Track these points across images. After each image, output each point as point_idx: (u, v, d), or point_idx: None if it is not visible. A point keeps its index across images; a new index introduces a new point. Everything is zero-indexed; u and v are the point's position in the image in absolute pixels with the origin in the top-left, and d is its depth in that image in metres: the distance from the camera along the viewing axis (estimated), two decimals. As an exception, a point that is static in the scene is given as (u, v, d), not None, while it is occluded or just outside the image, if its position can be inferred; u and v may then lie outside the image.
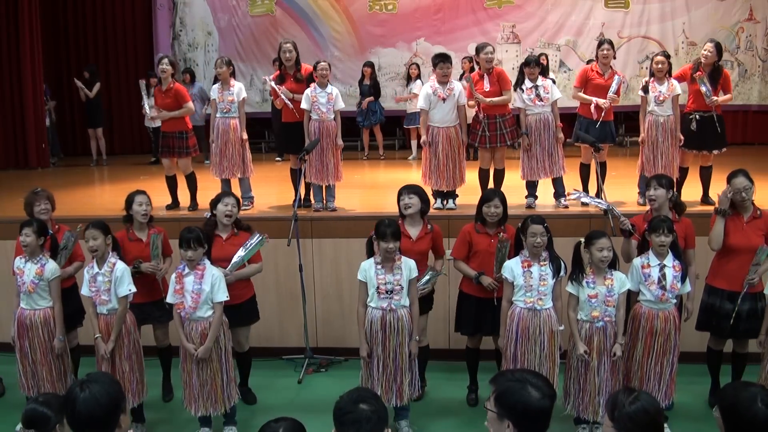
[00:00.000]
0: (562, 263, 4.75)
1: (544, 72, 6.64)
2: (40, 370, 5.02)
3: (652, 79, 6.53)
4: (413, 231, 5.11)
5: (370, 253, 4.87)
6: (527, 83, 6.49)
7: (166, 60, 6.99)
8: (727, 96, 6.62)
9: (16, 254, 5.17)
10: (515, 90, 6.61)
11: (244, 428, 5.00)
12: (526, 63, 6.54)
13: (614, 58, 6.85)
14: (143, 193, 5.29)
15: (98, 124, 11.16)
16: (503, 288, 4.85)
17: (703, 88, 6.43)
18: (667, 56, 6.62)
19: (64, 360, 5.10)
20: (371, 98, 10.76)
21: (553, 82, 6.77)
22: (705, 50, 6.52)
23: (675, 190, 5.22)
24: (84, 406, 2.39)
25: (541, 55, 10.48)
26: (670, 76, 6.54)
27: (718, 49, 6.53)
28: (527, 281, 4.68)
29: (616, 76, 6.70)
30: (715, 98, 6.44)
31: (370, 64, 11.12)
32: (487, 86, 6.57)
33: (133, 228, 5.28)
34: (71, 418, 2.45)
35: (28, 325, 4.99)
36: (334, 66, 10.90)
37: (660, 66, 6.46)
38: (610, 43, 6.83)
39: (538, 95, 6.44)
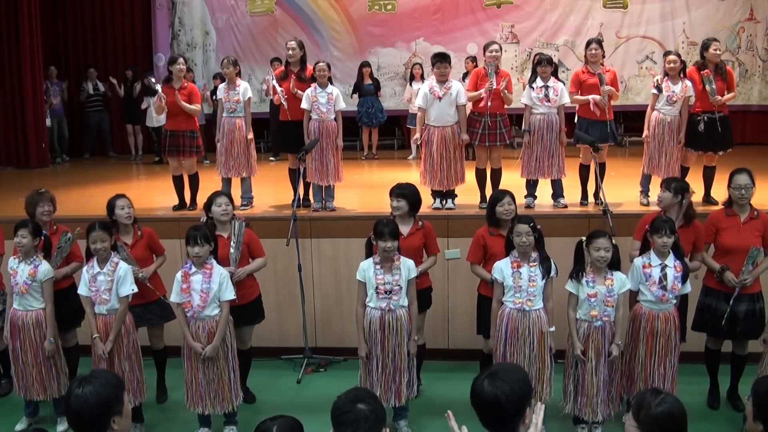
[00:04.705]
0: (552, 264, 4.74)
1: (556, 72, 6.61)
2: (30, 371, 4.99)
3: (666, 78, 6.52)
4: (404, 228, 5.12)
5: (369, 254, 4.87)
6: (538, 82, 6.48)
7: (182, 59, 7.02)
8: (732, 94, 6.64)
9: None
10: (527, 86, 6.64)
11: (242, 428, 5.00)
12: (539, 62, 6.52)
13: (603, 56, 6.82)
14: (123, 196, 5.26)
15: (136, 122, 11.55)
16: (493, 288, 4.85)
17: (708, 87, 6.43)
18: (679, 55, 6.62)
19: (55, 362, 5.07)
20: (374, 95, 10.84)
21: (564, 84, 6.70)
22: (714, 49, 6.51)
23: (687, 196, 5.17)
24: (75, 403, 2.39)
25: (537, 54, 10.49)
26: (684, 75, 6.53)
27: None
28: (516, 282, 4.67)
29: (598, 73, 6.63)
30: (718, 97, 6.45)
31: (368, 64, 11.14)
32: (494, 84, 6.57)
33: (119, 232, 5.19)
34: (66, 413, 2.46)
35: (20, 326, 4.97)
36: (333, 66, 10.91)
37: (673, 65, 6.44)
38: (598, 42, 6.80)
39: (546, 96, 6.43)
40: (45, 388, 5.04)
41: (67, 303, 5.24)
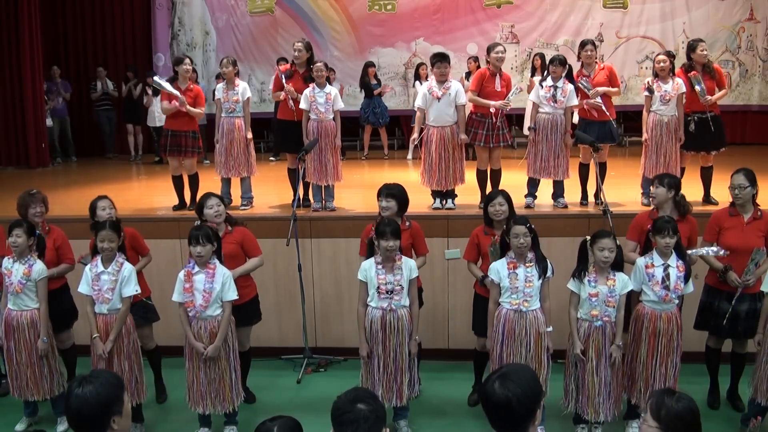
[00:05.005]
0: (548, 265, 4.74)
1: (570, 74, 6.56)
2: (24, 371, 4.98)
3: (656, 78, 6.53)
4: None
5: (371, 253, 4.87)
6: (548, 81, 6.47)
7: (188, 60, 7.02)
8: (723, 91, 6.65)
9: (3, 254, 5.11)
10: (536, 84, 6.61)
11: (243, 428, 5.00)
12: (551, 61, 6.50)
13: (596, 57, 6.82)
14: (105, 197, 5.25)
15: (137, 121, 11.57)
16: (490, 289, 4.84)
17: (698, 88, 6.45)
18: (669, 54, 6.62)
19: (49, 362, 5.05)
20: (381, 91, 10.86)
21: (575, 86, 6.59)
22: (701, 50, 6.55)
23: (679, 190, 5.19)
24: (75, 403, 2.39)
25: (537, 54, 10.51)
26: (674, 74, 6.55)
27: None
28: (513, 283, 4.66)
29: (581, 81, 6.61)
30: (709, 97, 6.46)
31: (372, 64, 11.17)
32: (498, 86, 6.57)
33: None
34: (66, 412, 2.46)
35: (15, 326, 4.96)
36: (333, 66, 10.91)
37: (662, 65, 6.45)
38: (593, 43, 6.80)
39: (554, 96, 6.40)
40: (39, 389, 5.03)
41: (59, 304, 5.23)
